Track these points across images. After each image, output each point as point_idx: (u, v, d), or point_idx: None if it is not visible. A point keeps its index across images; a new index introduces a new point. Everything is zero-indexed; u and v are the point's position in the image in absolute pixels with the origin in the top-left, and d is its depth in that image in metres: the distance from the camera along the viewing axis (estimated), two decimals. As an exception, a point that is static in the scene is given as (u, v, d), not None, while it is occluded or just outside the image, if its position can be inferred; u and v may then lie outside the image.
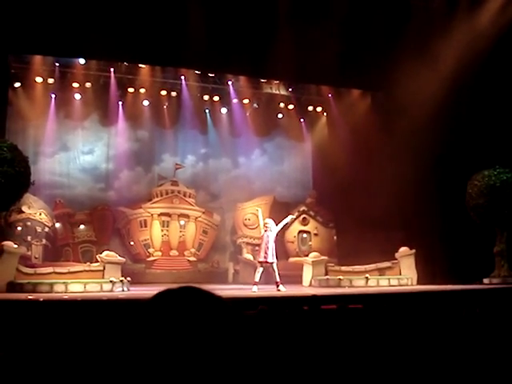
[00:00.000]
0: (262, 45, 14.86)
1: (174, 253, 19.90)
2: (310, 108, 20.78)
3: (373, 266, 16.41)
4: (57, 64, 17.39)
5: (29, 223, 17.34)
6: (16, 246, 14.57)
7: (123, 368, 1.11)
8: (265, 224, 14.29)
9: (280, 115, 20.91)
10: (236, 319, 1.15)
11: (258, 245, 19.78)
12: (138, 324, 1.15)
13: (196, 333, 1.09)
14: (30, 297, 11.13)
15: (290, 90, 20.10)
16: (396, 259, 16.68)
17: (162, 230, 19.94)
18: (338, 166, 17.88)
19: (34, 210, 17.48)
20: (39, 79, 17.57)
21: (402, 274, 16.46)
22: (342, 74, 16.01)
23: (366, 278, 15.82)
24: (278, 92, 20.23)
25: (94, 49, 14.05)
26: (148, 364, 1.07)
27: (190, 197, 20.31)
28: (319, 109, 20.80)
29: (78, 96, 18.57)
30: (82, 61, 17.49)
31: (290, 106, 20.58)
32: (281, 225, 14.32)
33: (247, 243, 20.31)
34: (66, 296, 11.85)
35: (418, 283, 16.15)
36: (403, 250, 16.59)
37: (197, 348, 1.07)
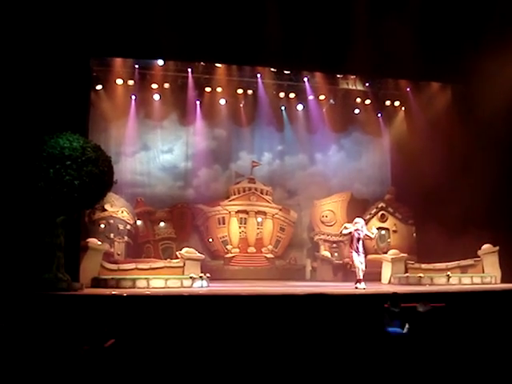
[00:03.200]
0: (338, 40, 14.69)
1: (251, 249, 20.04)
2: (388, 102, 20.42)
3: (454, 263, 15.99)
4: (136, 66, 17.88)
5: (111, 221, 17.91)
6: (100, 242, 15.07)
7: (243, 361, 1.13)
8: (354, 223, 14.25)
9: (357, 110, 20.65)
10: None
11: (335, 242, 19.74)
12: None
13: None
14: (113, 292, 11.49)
15: (367, 84, 19.81)
16: (479, 257, 16.17)
17: (240, 227, 20.13)
18: (418, 162, 17.45)
19: (117, 208, 18.03)
20: (120, 81, 18.11)
21: (485, 272, 15.96)
22: (421, 67, 15.58)
23: (448, 275, 15.44)
24: (354, 87, 19.98)
25: (172, 50, 14.30)
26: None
27: (266, 194, 20.39)
28: (397, 103, 20.40)
29: (157, 96, 18.99)
30: (160, 62, 17.88)
31: (367, 101, 20.28)
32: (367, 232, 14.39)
33: (324, 240, 20.19)
34: (148, 291, 12.15)
35: (503, 281, 15.60)
36: (486, 247, 16.06)
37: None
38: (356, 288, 13.46)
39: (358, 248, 13.90)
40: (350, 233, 14.14)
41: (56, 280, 11.64)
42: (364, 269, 13.91)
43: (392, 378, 3.11)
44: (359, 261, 13.83)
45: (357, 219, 14.53)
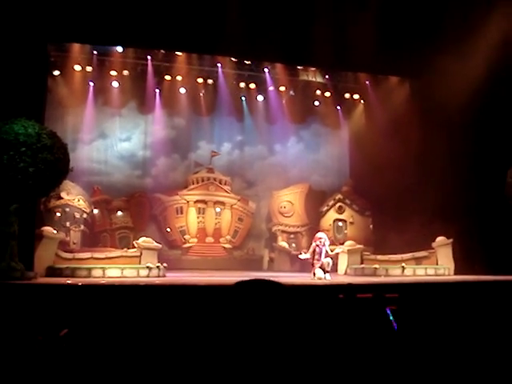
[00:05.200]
0: (298, 31, 14.72)
1: (209, 240, 20.03)
2: (347, 95, 20.58)
3: (409, 255, 16.26)
4: (95, 52, 17.58)
5: (67, 209, 17.63)
6: (55, 231, 14.83)
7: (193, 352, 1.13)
8: (318, 238, 14.24)
9: (316, 102, 20.77)
10: (304, 308, 1.16)
11: (293, 233, 19.84)
12: (218, 311, 1.17)
13: (269, 321, 1.10)
14: (68, 281, 11.34)
15: (327, 77, 19.93)
16: (433, 249, 16.49)
17: (198, 217, 20.08)
18: (376, 155, 17.65)
19: (73, 197, 17.76)
20: (78, 67, 17.78)
21: (438, 264, 16.29)
22: (380, 61, 15.74)
23: (403, 267, 15.70)
24: (314, 79, 20.09)
25: (131, 37, 14.12)
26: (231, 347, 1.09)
27: (225, 184, 20.38)
28: (356, 96, 20.58)
29: (115, 84, 18.75)
30: (119, 49, 17.64)
31: (327, 94, 20.41)
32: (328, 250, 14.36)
33: (282, 231, 20.33)
34: (103, 281, 12.03)
35: (456, 273, 15.95)
36: (440, 239, 16.38)
37: (272, 334, 1.08)
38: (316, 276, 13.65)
39: (319, 259, 13.93)
40: (314, 251, 14.17)
41: (9, 269, 11.40)
42: (331, 263, 14.05)
43: (343, 370, 3.15)
44: (322, 272, 13.88)
45: (319, 234, 14.60)
